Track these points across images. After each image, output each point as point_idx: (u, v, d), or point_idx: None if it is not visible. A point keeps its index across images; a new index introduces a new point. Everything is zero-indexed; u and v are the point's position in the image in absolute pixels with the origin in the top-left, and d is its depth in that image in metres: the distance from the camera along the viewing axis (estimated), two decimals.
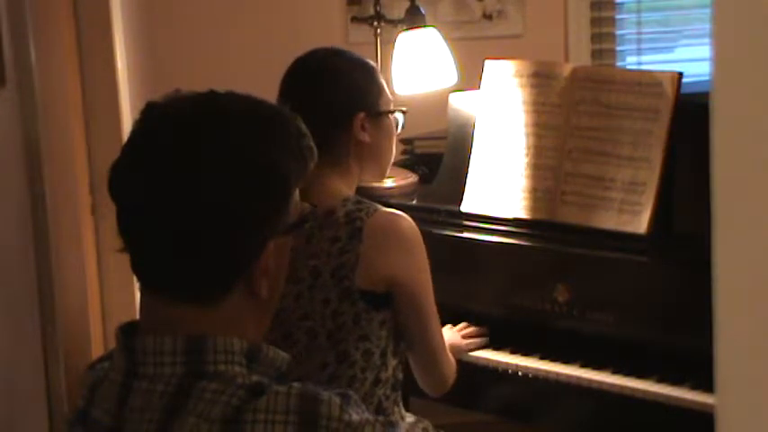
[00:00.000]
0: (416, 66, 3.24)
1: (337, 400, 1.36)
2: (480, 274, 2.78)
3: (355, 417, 1.36)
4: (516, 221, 2.76)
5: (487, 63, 2.87)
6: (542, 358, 2.67)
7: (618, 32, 4.01)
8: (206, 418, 1.34)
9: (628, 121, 2.63)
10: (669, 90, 2.58)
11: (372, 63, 2.40)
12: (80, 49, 3.30)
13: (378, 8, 3.39)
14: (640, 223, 2.58)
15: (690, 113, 2.49)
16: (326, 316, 2.22)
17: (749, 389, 0.97)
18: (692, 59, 4.04)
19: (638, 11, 4.01)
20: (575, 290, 2.62)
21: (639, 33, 4.02)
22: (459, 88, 3.09)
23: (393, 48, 3.27)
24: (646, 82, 2.62)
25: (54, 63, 3.09)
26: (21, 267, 2.83)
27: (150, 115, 1.46)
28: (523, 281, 2.72)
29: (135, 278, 1.45)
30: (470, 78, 3.05)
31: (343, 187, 2.29)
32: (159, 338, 1.39)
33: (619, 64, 4.00)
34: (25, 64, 2.83)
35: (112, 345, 1.47)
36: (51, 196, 2.95)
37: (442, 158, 2.99)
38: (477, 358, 2.71)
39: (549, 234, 2.70)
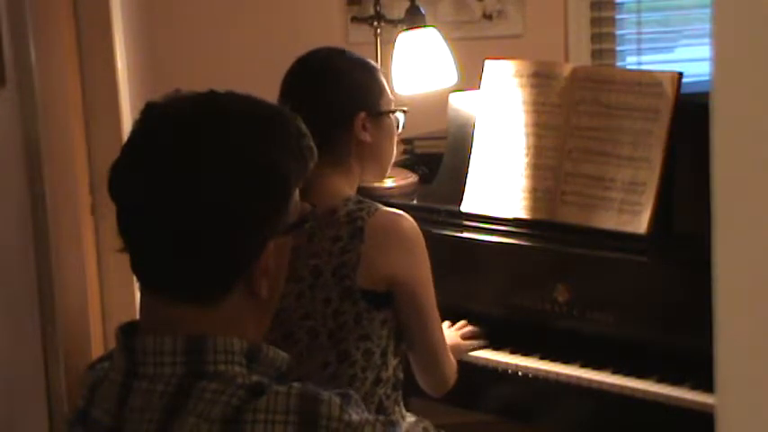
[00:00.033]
0: (416, 66, 3.24)
1: (337, 400, 1.36)
2: (480, 274, 2.78)
3: (355, 417, 1.36)
4: (516, 221, 2.76)
5: (487, 63, 2.87)
6: (542, 358, 2.66)
7: (618, 32, 4.01)
8: (206, 418, 1.34)
9: (628, 121, 2.63)
10: (669, 90, 2.58)
11: (373, 63, 2.40)
12: (80, 49, 3.30)
13: (378, 8, 3.39)
14: (640, 223, 2.58)
15: (690, 113, 2.49)
16: (328, 315, 2.22)
17: (749, 389, 0.97)
18: (692, 59, 4.04)
19: (638, 11, 4.01)
20: (575, 290, 2.62)
21: (639, 33, 4.02)
22: (459, 88, 3.09)
23: (393, 48, 3.27)
24: (646, 82, 2.62)
25: (54, 63, 3.09)
26: (21, 267, 2.83)
27: (150, 115, 1.46)
28: (523, 281, 2.72)
29: (135, 278, 1.45)
30: (470, 78, 3.05)
31: (344, 187, 2.29)
32: (159, 338, 1.39)
33: (619, 64, 4.00)
34: (25, 64, 2.83)
35: (112, 345, 1.47)
36: (51, 196, 2.95)
37: (442, 158, 2.99)
38: (477, 358, 2.71)
39: (549, 234, 2.70)
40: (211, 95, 1.47)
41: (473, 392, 2.71)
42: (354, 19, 3.66)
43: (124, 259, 1.44)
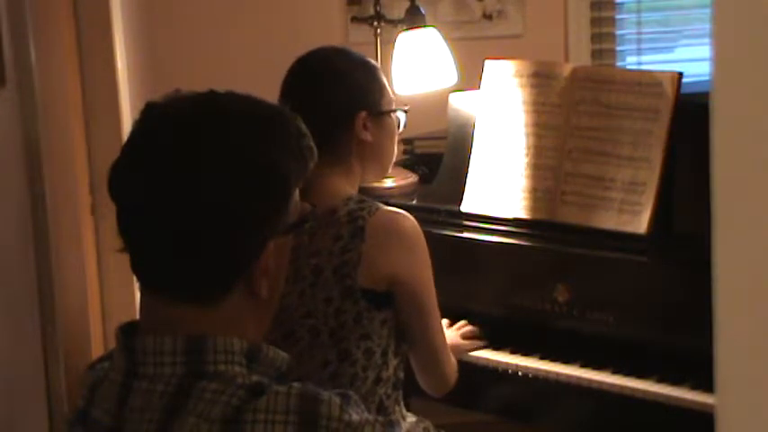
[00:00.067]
0: (416, 66, 3.24)
1: (337, 400, 1.36)
2: (480, 274, 2.78)
3: (355, 417, 1.36)
4: (516, 221, 2.76)
5: (487, 63, 2.87)
6: (542, 358, 2.66)
7: (618, 32, 4.01)
8: (206, 418, 1.34)
9: (628, 121, 2.63)
10: (669, 90, 2.58)
11: (374, 62, 2.40)
12: (80, 49, 3.30)
13: (378, 8, 3.39)
14: (640, 223, 2.58)
15: (690, 113, 2.49)
16: (329, 314, 2.22)
17: (749, 389, 0.97)
18: (692, 59, 4.04)
19: (638, 11, 4.01)
20: (575, 290, 2.62)
21: (639, 33, 4.02)
22: (459, 88, 3.09)
23: (393, 48, 3.27)
24: (646, 82, 2.62)
25: (54, 63, 3.09)
26: (21, 267, 2.84)
27: (150, 115, 1.46)
28: (523, 281, 2.72)
29: (135, 278, 1.45)
30: (470, 78, 3.05)
31: (345, 186, 2.29)
32: (159, 338, 1.39)
33: (619, 64, 4.00)
34: (25, 64, 2.83)
35: (112, 345, 1.47)
36: (51, 196, 2.95)
37: (442, 158, 2.99)
38: (478, 358, 2.71)
39: (549, 234, 2.70)
40: (211, 95, 1.47)
41: (473, 392, 2.71)
42: (354, 19, 3.66)
43: (124, 259, 1.44)
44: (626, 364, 2.57)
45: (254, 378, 1.38)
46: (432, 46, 3.26)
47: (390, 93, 2.39)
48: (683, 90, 2.59)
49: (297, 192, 1.48)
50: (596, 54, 3.97)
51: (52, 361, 2.93)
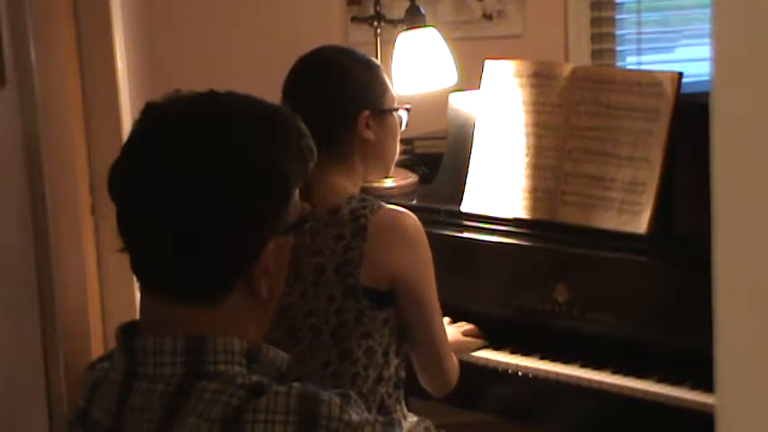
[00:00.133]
0: (416, 66, 3.24)
1: (337, 400, 1.36)
2: (480, 274, 2.78)
3: (355, 417, 1.36)
4: (516, 221, 2.76)
5: (487, 63, 2.87)
6: (542, 358, 2.66)
7: (618, 32, 4.01)
8: (206, 418, 1.34)
9: (628, 121, 2.63)
10: (669, 90, 2.58)
11: (376, 61, 2.40)
12: (80, 49, 3.31)
13: (378, 8, 3.39)
14: (640, 223, 2.58)
15: (690, 113, 2.49)
16: (330, 313, 2.22)
17: (749, 389, 0.97)
18: (692, 59, 4.04)
19: (638, 11, 4.01)
20: (575, 290, 2.62)
21: (639, 33, 4.02)
22: (459, 88, 3.09)
23: (393, 48, 3.27)
24: (646, 82, 2.62)
25: (54, 63, 3.09)
26: (21, 267, 2.84)
27: (150, 115, 1.45)
28: (523, 281, 2.72)
29: (135, 278, 1.45)
30: (470, 78, 3.05)
31: (347, 185, 2.29)
32: (159, 338, 1.39)
33: (619, 64, 4.00)
34: (25, 64, 2.84)
35: (112, 345, 1.47)
36: (51, 196, 2.96)
37: (442, 158, 2.99)
38: (478, 358, 2.71)
39: (549, 234, 2.70)
40: (211, 95, 1.47)
41: (473, 392, 2.71)
42: (354, 19, 3.66)
43: (124, 259, 1.44)
44: (626, 364, 2.57)
45: (254, 378, 1.38)
46: (432, 46, 3.26)
47: (392, 92, 2.39)
48: (683, 90, 2.58)
49: (297, 192, 1.48)
50: (596, 54, 3.97)
51: (52, 361, 2.93)
